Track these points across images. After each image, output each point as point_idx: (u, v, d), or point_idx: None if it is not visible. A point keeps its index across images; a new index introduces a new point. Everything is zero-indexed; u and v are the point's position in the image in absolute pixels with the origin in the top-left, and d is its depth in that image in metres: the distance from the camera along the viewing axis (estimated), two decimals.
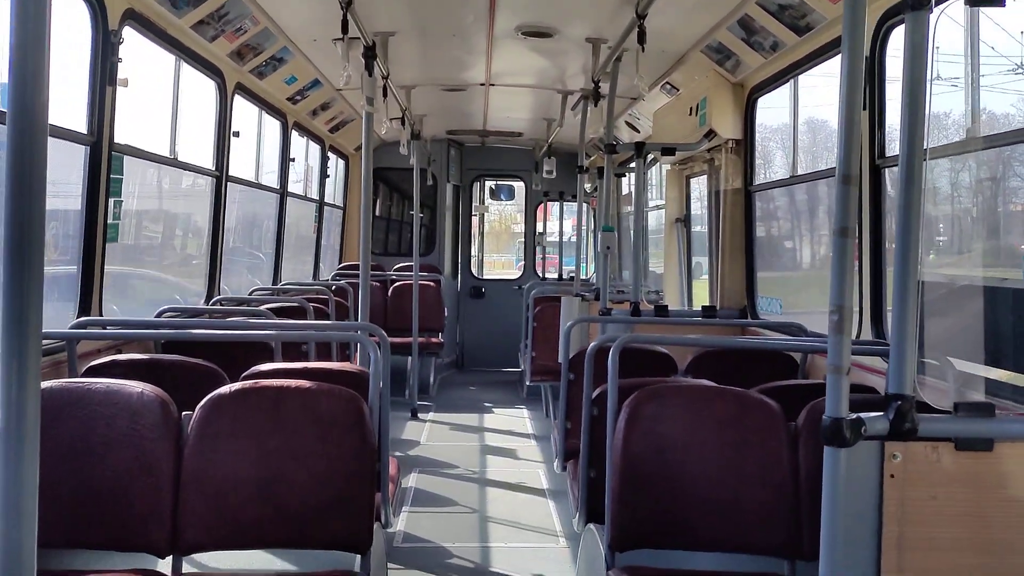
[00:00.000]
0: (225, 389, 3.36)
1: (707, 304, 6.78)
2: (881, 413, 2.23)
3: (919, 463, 2.32)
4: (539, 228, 13.25)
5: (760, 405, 3.33)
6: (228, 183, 6.60)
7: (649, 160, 8.56)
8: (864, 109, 4.43)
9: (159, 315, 5.24)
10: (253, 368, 3.90)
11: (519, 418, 9.35)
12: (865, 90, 4.43)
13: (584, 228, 10.26)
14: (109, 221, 4.73)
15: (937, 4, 2.46)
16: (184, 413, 3.30)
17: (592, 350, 4.17)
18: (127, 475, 3.20)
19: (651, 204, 10.64)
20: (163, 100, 5.67)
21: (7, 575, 1.51)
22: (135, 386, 3.28)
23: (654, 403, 3.38)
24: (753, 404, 3.34)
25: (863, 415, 2.19)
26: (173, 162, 5.79)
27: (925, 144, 2.33)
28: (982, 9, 3.97)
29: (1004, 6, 2.36)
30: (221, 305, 6.19)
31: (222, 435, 3.28)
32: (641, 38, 4.87)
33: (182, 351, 4.33)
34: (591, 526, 3.82)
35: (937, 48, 4.51)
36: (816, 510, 2.24)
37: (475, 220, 13.48)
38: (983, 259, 4.70)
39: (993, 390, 3.45)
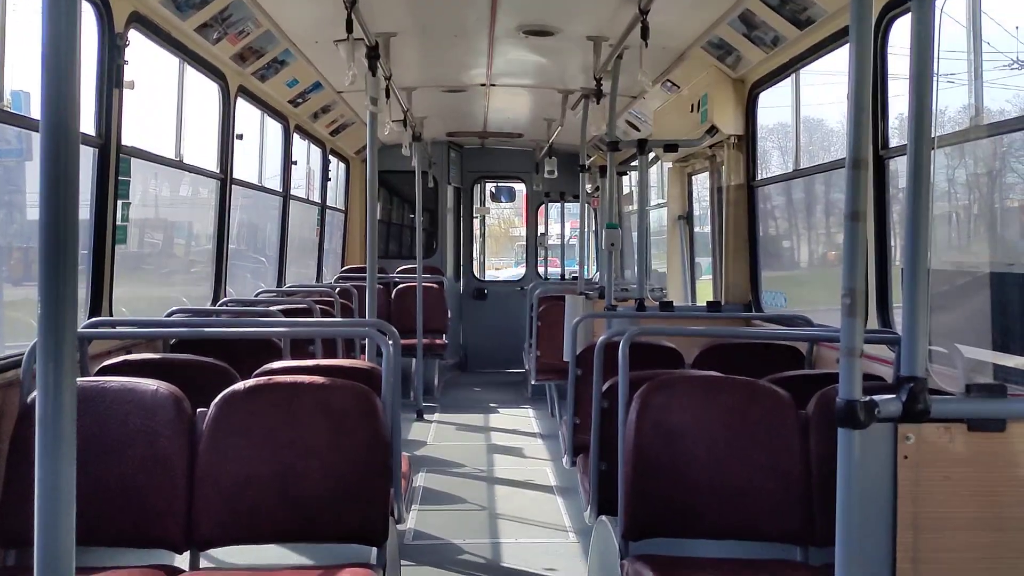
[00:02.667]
0: (239, 386, 3.39)
1: (712, 300, 6.81)
2: (894, 396, 2.26)
3: (932, 444, 2.34)
4: (540, 229, 13.28)
5: (770, 394, 3.36)
6: (232, 186, 6.62)
7: (651, 158, 8.60)
8: None
9: (168, 315, 5.26)
10: (265, 366, 3.92)
11: (524, 417, 9.37)
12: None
13: (586, 228, 10.29)
14: (118, 223, 4.75)
15: None
16: (199, 410, 3.33)
17: (601, 343, 4.20)
18: (143, 472, 3.23)
19: (652, 203, 10.67)
20: (168, 103, 5.70)
21: (47, 571, 1.53)
22: (149, 384, 3.31)
23: (664, 394, 3.41)
24: (763, 393, 3.37)
25: (876, 397, 2.22)
26: (179, 164, 5.82)
27: (933, 133, 2.35)
28: (983, 3, 4.02)
29: None
30: (228, 307, 6.22)
31: (236, 431, 3.32)
32: (644, 34, 4.90)
33: (191, 351, 4.36)
34: (603, 518, 3.84)
35: (936, 40, 4.54)
36: (827, 496, 2.26)
37: (476, 222, 13.52)
38: (983, 250, 4.74)
39: (1001, 376, 3.47)
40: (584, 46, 6.56)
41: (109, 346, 4.51)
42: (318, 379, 3.38)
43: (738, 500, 3.32)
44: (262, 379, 3.43)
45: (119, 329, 4.64)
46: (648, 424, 3.38)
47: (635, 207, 8.75)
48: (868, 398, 2.21)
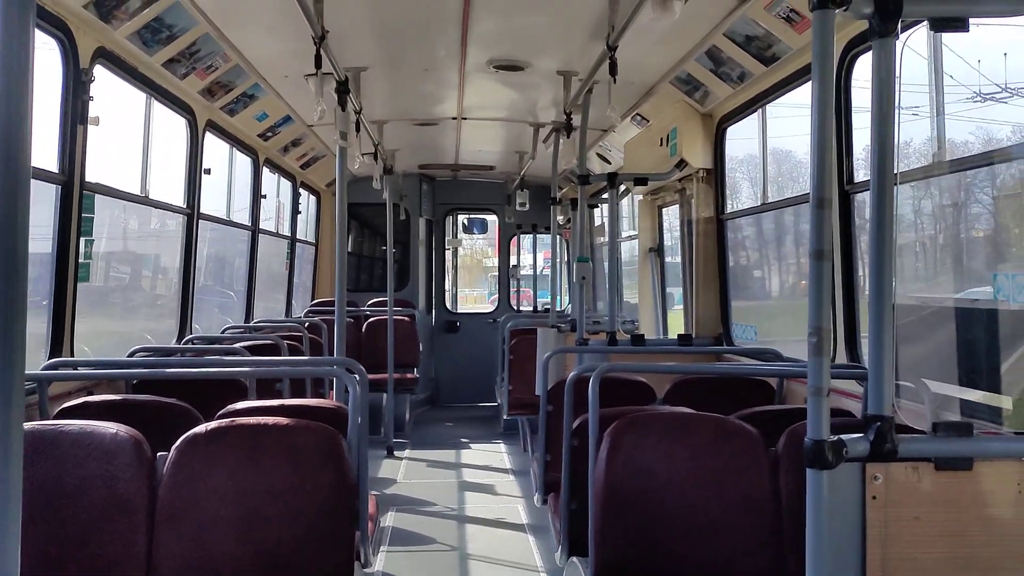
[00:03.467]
0: (201, 428, 3.32)
1: (683, 332, 6.81)
2: (861, 435, 2.24)
3: (901, 484, 2.32)
4: (512, 261, 13.27)
5: (739, 431, 3.34)
6: (200, 220, 6.56)
7: (622, 191, 8.64)
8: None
9: (130, 355, 5.16)
10: (228, 407, 3.85)
11: (496, 453, 9.28)
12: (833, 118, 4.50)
13: (559, 260, 10.28)
14: (80, 260, 4.67)
15: (903, 31, 2.52)
16: (159, 453, 3.25)
17: (571, 380, 4.17)
18: (101, 517, 3.14)
19: (623, 235, 10.71)
20: (134, 138, 5.64)
21: None
22: (108, 427, 3.23)
23: (634, 432, 3.38)
24: (733, 430, 3.35)
25: (844, 436, 2.20)
26: (145, 200, 5.75)
27: (895, 169, 2.36)
28: (944, 39, 4.08)
29: (967, 31, 2.41)
30: (193, 344, 6.12)
31: (198, 475, 3.24)
32: (612, 70, 4.92)
33: (155, 391, 4.27)
34: (574, 559, 3.79)
35: (897, 77, 4.60)
36: (799, 534, 2.24)
37: (448, 254, 13.49)
38: (950, 283, 4.77)
39: (968, 411, 3.48)
40: (554, 80, 6.60)
41: (70, 387, 4.42)
42: (282, 420, 3.31)
43: (709, 539, 3.29)
44: (224, 421, 3.36)
45: (80, 370, 4.54)
46: (618, 463, 3.34)
47: (607, 239, 8.76)
48: (836, 437, 2.20)
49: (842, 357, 4.59)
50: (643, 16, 4.66)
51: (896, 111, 2.40)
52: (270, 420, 3.32)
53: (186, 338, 6.27)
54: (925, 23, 2.48)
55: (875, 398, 2.27)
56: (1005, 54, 4.51)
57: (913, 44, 4.22)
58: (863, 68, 4.45)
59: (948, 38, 4.15)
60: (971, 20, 2.45)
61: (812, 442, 2.16)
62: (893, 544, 2.31)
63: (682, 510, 3.29)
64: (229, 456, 3.27)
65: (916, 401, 3.74)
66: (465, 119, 8.32)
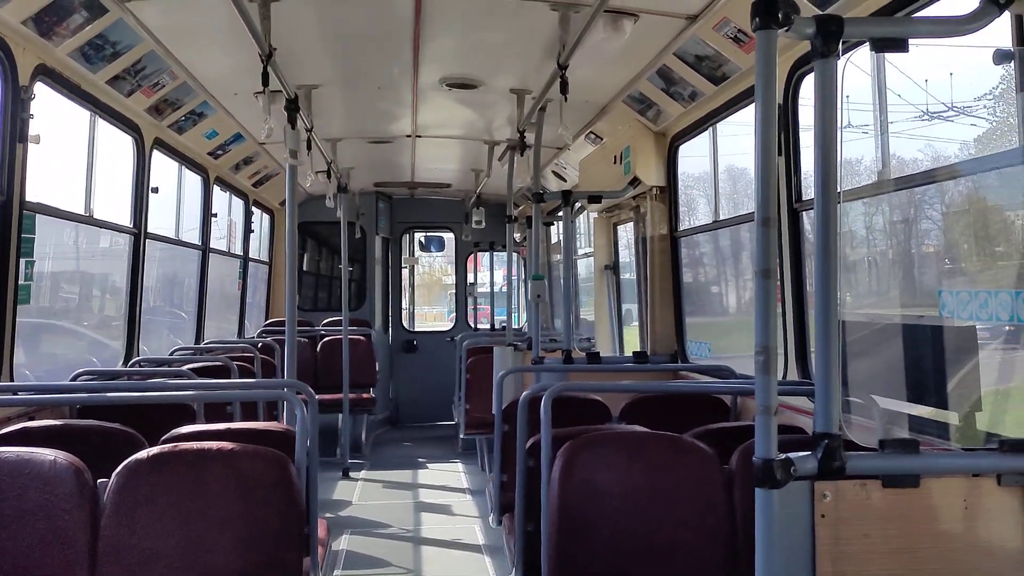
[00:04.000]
0: (143, 454, 3.23)
1: (638, 350, 6.82)
2: (810, 453, 2.24)
3: (849, 501, 2.33)
4: (470, 279, 13.22)
5: (693, 449, 3.33)
6: (147, 240, 6.43)
7: (577, 208, 8.66)
8: (780, 155, 4.55)
9: (74, 378, 5.02)
10: (173, 431, 3.75)
11: (454, 473, 9.21)
12: (780, 137, 4.56)
13: (516, 278, 10.27)
14: (20, 282, 4.54)
15: (844, 52, 2.54)
16: (100, 481, 3.15)
17: (525, 400, 4.13)
18: (40, 549, 3.04)
19: (580, 252, 10.74)
20: (78, 156, 5.52)
21: None
22: (47, 454, 3.13)
23: (588, 451, 3.35)
24: (686, 448, 3.34)
25: (792, 455, 2.20)
26: (89, 220, 5.62)
27: (839, 187, 2.38)
28: (889, 59, 4.16)
29: (907, 51, 2.44)
30: (141, 366, 5.99)
31: (140, 503, 3.15)
32: (564, 88, 4.93)
33: (99, 416, 4.15)
34: None
35: (847, 97, 4.68)
36: (753, 552, 2.22)
37: (405, 272, 13.41)
38: (901, 299, 4.83)
39: (916, 427, 3.51)
40: (508, 99, 6.60)
41: (9, 412, 4.28)
42: (227, 445, 3.23)
43: (664, 558, 3.27)
44: (167, 447, 3.27)
45: (19, 395, 4.40)
46: (572, 483, 3.32)
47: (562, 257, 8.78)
48: (784, 456, 2.19)
49: (794, 374, 4.62)
50: (594, 36, 4.68)
51: (839, 130, 2.42)
52: (214, 445, 3.24)
53: (133, 360, 6.13)
54: (866, 43, 2.51)
55: (822, 416, 2.27)
56: (951, 73, 4.60)
57: (861, 63, 4.31)
58: (810, 87, 4.50)
59: (896, 58, 4.23)
60: (912, 42, 2.49)
61: (760, 461, 2.15)
62: (843, 562, 2.31)
63: (637, 530, 3.27)
64: (172, 483, 3.18)
65: (868, 418, 3.76)
66: (420, 137, 8.29)
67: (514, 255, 12.07)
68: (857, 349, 4.00)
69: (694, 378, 5.96)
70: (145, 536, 3.13)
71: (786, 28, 2.27)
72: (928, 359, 3.51)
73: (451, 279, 14.96)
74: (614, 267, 8.66)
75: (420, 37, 5.23)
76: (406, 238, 13.23)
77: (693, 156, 6.71)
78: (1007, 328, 3.31)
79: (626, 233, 8.62)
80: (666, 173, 6.66)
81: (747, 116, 5.53)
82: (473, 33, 5.31)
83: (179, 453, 3.22)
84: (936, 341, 3.44)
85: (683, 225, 6.80)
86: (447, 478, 8.92)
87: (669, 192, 6.71)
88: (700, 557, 3.26)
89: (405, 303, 13.25)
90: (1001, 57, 2.97)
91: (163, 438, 3.61)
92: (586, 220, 10.24)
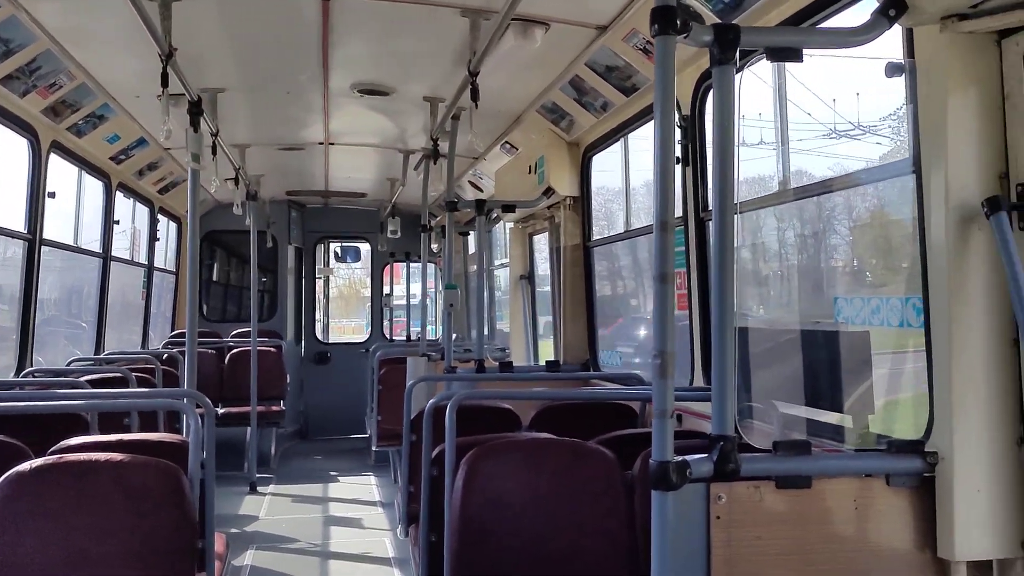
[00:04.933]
0: (25, 466, 3.08)
1: (551, 359, 6.83)
2: (706, 455, 2.25)
3: (743, 503, 2.35)
4: (387, 290, 13.09)
5: (594, 454, 3.33)
6: (42, 247, 6.15)
7: (493, 218, 8.66)
8: (688, 165, 4.62)
9: None
10: (62, 443, 3.58)
11: (366, 485, 9.07)
12: (688, 147, 4.63)
13: (433, 288, 10.20)
14: None
15: (745, 63, 2.59)
16: None
17: (430, 409, 4.08)
18: None
19: (498, 262, 10.73)
20: None
21: None
22: None
23: (490, 460, 3.32)
24: (587, 454, 3.34)
25: (689, 458, 2.21)
26: None
27: (736, 198, 2.42)
28: (798, 77, 4.28)
29: (802, 61, 2.50)
30: (34, 377, 5.71)
31: (22, 516, 3.01)
32: (475, 96, 4.91)
33: None
34: None
35: (760, 114, 4.79)
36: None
37: (320, 283, 13.18)
38: (807, 308, 4.95)
39: (814, 431, 3.59)
40: (421, 107, 6.55)
41: None
42: (115, 456, 3.10)
43: (565, 565, 3.26)
44: (51, 458, 3.13)
45: None
46: (475, 492, 3.28)
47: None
48: (681, 459, 2.20)
49: (700, 380, 4.68)
50: (505, 44, 4.68)
51: (736, 140, 2.46)
52: (102, 456, 3.11)
53: (25, 371, 5.85)
54: (763, 53, 2.56)
55: (718, 419, 2.29)
56: (857, 94, 4.75)
57: (768, 77, 4.42)
58: None
59: (805, 77, 4.35)
60: (807, 51, 2.55)
61: (657, 463, 2.16)
62: (737, 563, 2.33)
63: (538, 537, 3.25)
64: (56, 495, 3.04)
65: (770, 422, 3.83)
66: (333, 144, 8.16)
67: (431, 266, 12.00)
68: (761, 356, 4.08)
69: (604, 386, 5.99)
70: (27, 551, 3.01)
71: (685, 35, 2.30)
72: (824, 364, 3.60)
73: (369, 291, 14.79)
74: (529, 277, 8.68)
75: (329, 42, 5.15)
76: (320, 248, 13.02)
77: (609, 170, 6.78)
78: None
79: (541, 243, 8.65)
80: (579, 183, 6.71)
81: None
82: (384, 39, 5.25)
83: (64, 464, 3.08)
84: (831, 346, 3.53)
85: (595, 235, 6.85)
86: (359, 491, 8.77)
87: (582, 202, 6.75)
88: (600, 562, 3.26)
89: (319, 314, 13.02)
90: (893, 69, 3.07)
91: (51, 450, 3.44)
92: (504, 231, 10.25)
